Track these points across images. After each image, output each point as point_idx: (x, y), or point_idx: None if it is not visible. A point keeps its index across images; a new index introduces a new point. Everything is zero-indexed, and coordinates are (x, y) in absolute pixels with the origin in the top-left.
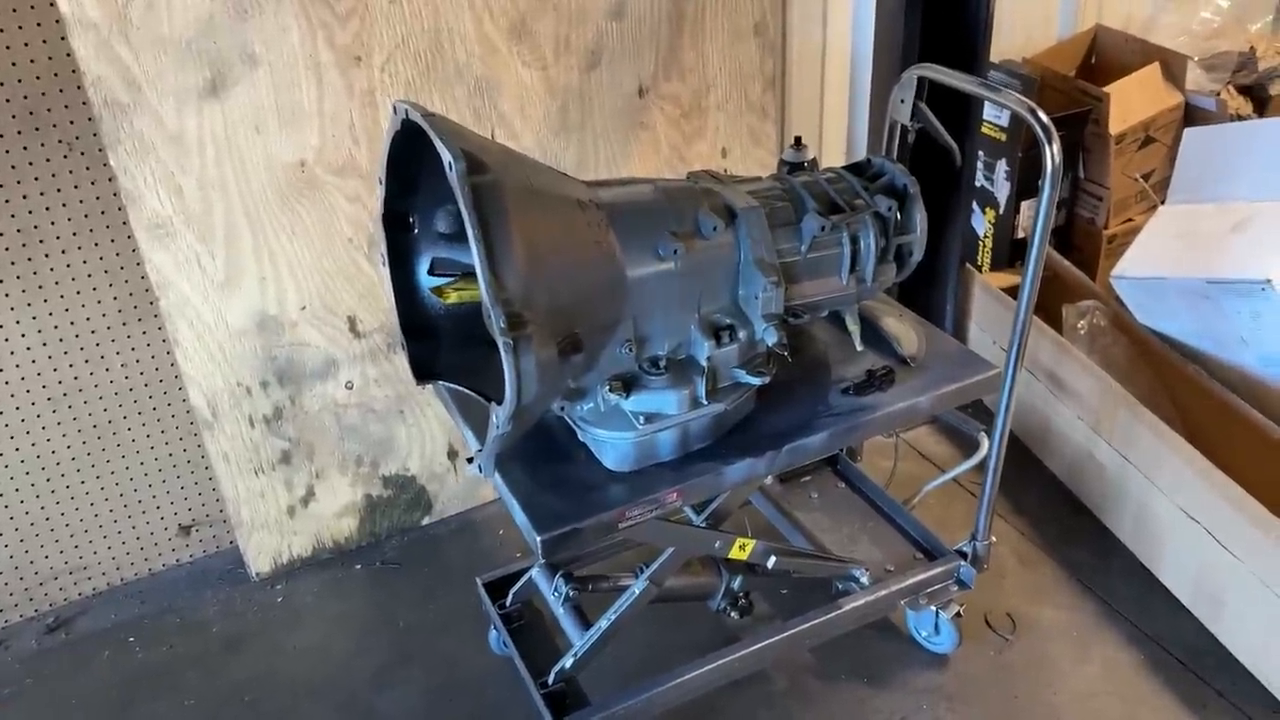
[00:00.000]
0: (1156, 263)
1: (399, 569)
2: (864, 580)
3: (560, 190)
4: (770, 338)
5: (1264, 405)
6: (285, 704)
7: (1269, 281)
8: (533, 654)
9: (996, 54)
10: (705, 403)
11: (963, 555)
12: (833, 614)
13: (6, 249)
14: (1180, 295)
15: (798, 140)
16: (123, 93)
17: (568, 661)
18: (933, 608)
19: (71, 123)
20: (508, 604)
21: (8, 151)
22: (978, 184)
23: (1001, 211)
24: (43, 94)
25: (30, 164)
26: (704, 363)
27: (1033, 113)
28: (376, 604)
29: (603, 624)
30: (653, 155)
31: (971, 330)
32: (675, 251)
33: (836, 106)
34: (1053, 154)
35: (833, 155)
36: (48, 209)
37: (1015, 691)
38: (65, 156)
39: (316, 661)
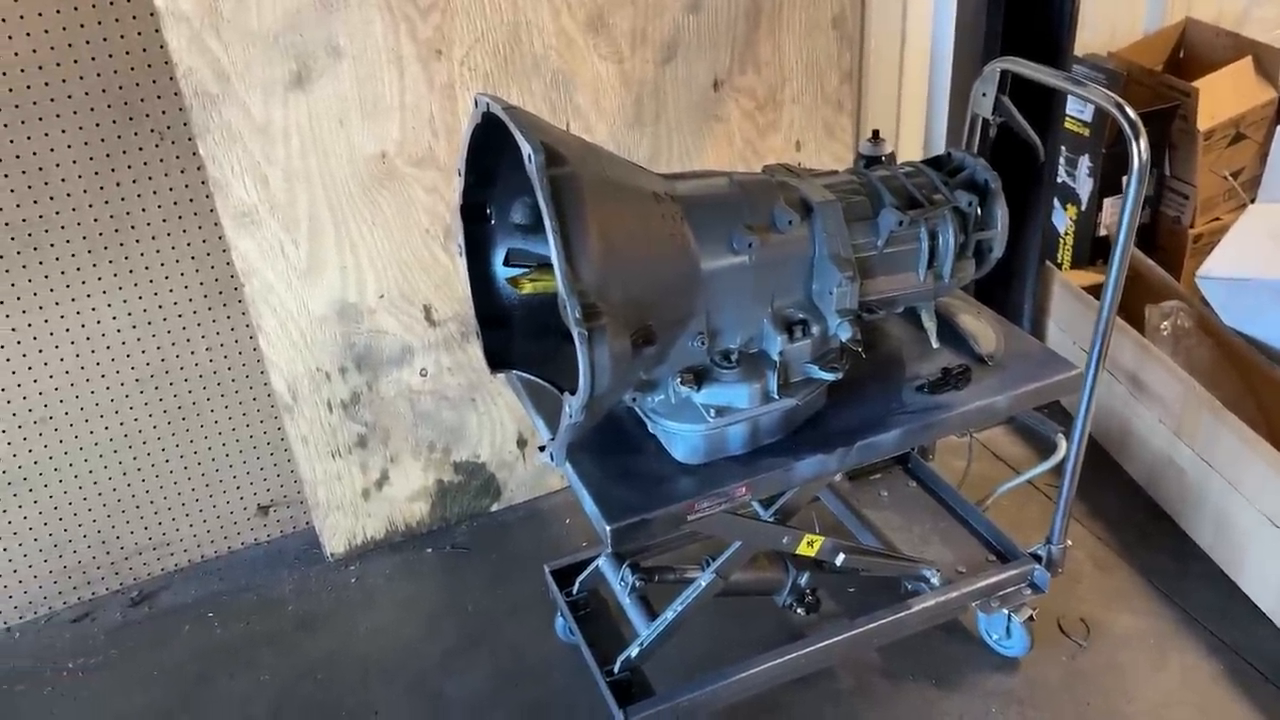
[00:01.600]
0: (1245, 263)
1: (468, 554)
2: (934, 581)
3: (636, 182)
4: (844, 333)
5: None
6: (356, 684)
7: None
8: (599, 642)
9: (1080, 48)
10: (777, 397)
11: (1037, 558)
12: (902, 613)
13: (100, 234)
14: (1270, 296)
15: (875, 134)
16: (212, 84)
17: (633, 651)
18: (1004, 611)
19: (163, 113)
20: (574, 592)
21: (103, 140)
22: (1059, 180)
23: (1083, 208)
24: (136, 84)
25: (124, 152)
26: (776, 357)
27: (1120, 108)
28: (446, 588)
29: (669, 615)
30: (726, 148)
31: (1050, 329)
32: (750, 245)
33: (914, 100)
34: (1140, 150)
35: (910, 150)
36: (139, 196)
37: (1088, 699)
38: (156, 145)
39: (387, 643)
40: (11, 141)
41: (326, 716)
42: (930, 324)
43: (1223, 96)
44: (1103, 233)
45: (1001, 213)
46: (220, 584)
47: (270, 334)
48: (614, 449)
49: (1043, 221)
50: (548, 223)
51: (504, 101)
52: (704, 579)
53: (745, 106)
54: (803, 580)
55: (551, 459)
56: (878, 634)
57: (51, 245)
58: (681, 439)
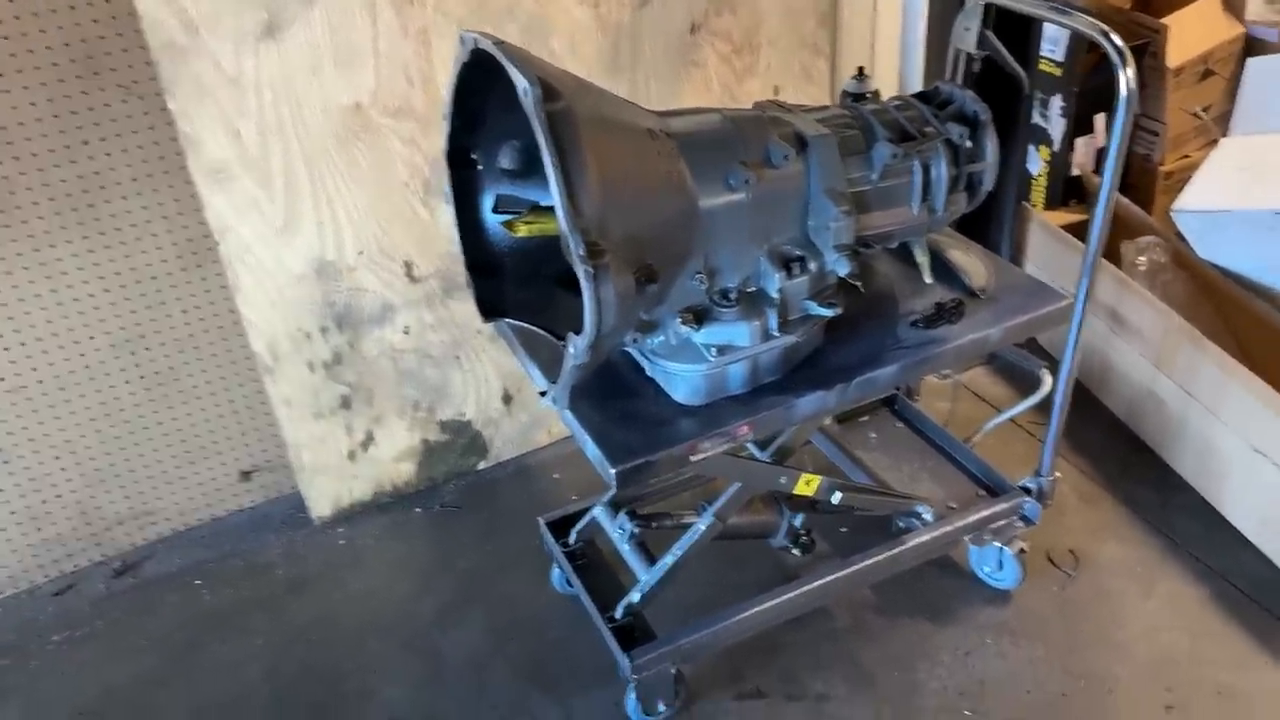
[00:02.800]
0: (1220, 195)
1: (457, 512)
2: (927, 516)
3: (630, 119)
4: (842, 268)
5: None
6: (351, 644)
7: None
8: (597, 590)
9: None
10: (777, 334)
11: (1027, 491)
12: (897, 549)
13: (69, 195)
14: (1245, 228)
15: (860, 71)
16: (180, 35)
17: (635, 596)
18: (996, 544)
19: (130, 66)
20: (571, 543)
21: (68, 96)
22: (1031, 121)
23: (1056, 149)
24: (101, 38)
25: (90, 109)
26: (775, 294)
27: (1106, 35)
28: (436, 546)
29: (668, 560)
30: (704, 94)
31: (1028, 269)
32: (746, 181)
33: (889, 41)
34: (1127, 79)
35: (886, 91)
36: (108, 154)
37: (1080, 626)
38: (125, 101)
39: (380, 603)
40: None
41: (323, 677)
42: (923, 259)
43: (1191, 33)
44: (1076, 173)
45: (992, 145)
46: (206, 551)
47: (247, 293)
48: (612, 394)
49: (1019, 161)
50: (547, 159)
51: (494, 36)
52: (703, 522)
53: (722, 50)
54: (797, 521)
55: (555, 403)
56: (873, 571)
57: (18, 208)
58: (682, 380)
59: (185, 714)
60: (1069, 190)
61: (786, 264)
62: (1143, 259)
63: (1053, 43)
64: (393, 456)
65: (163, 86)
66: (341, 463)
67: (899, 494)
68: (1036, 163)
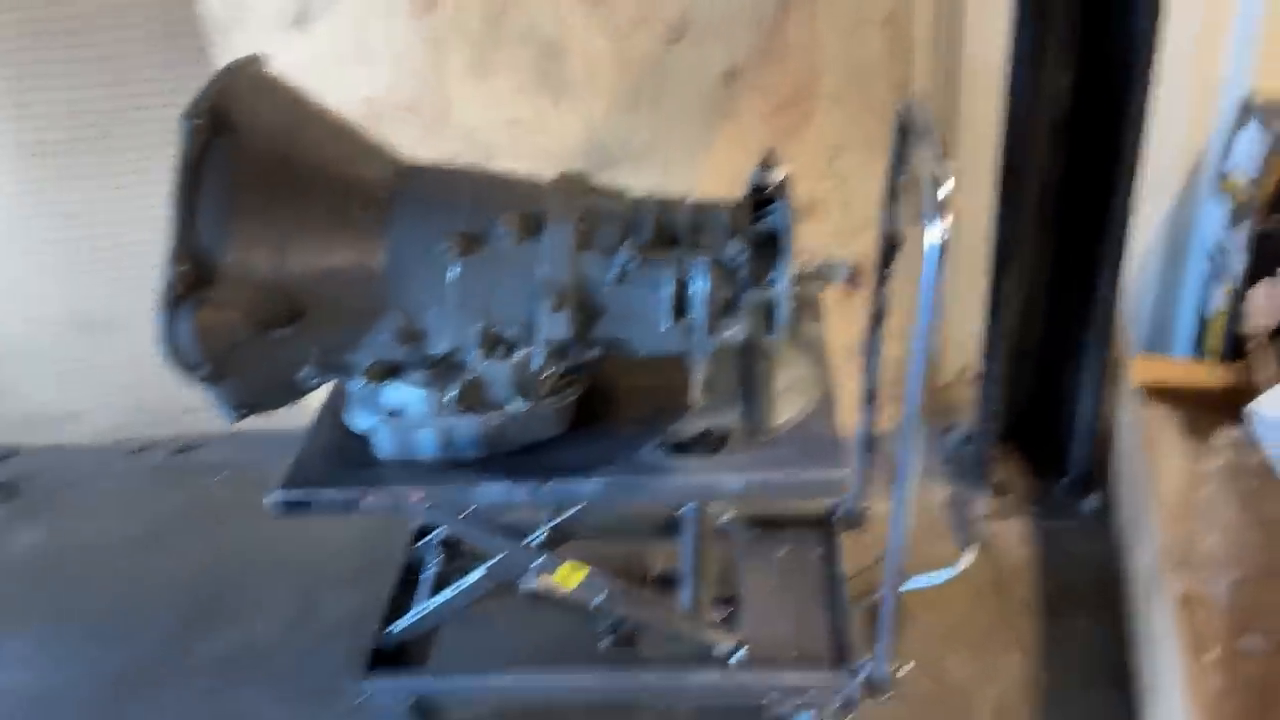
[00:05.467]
0: None
1: None
2: (731, 657)
3: (339, 167)
4: (536, 361)
5: None
6: None
7: None
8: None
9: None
10: (453, 410)
11: (854, 673)
12: (677, 681)
13: None
14: None
15: (766, 159)
16: None
17: (398, 625)
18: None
19: None
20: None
21: None
22: (1220, 254)
23: (1235, 289)
24: None
25: None
26: (470, 371)
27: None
28: None
29: (432, 602)
30: (739, 149)
31: (1124, 436)
32: (444, 252)
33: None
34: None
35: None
36: None
37: None
38: None
39: None
40: None
41: None
42: (698, 378)
43: None
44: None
45: (787, 273)
46: None
47: None
48: None
49: (1105, 294)
50: (175, 186)
51: (248, 61)
52: (473, 576)
53: (764, 105)
54: None
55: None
56: (642, 689)
57: None
58: (374, 431)
59: None
60: (1240, 344)
61: (493, 344)
62: (1226, 455)
63: (1245, 155)
64: None
65: None
66: None
67: (693, 620)
68: (1220, 303)
